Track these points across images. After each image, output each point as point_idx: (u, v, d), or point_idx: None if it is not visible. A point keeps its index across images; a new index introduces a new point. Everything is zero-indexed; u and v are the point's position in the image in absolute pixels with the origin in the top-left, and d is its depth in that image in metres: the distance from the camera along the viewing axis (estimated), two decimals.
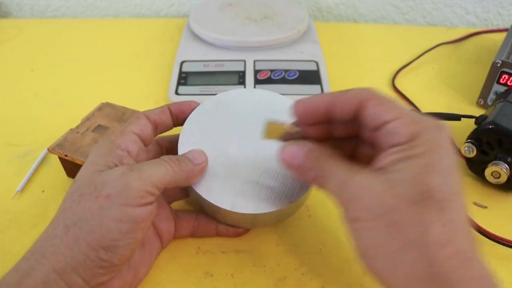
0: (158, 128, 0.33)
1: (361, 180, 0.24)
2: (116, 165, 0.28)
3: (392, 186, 0.22)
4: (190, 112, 0.35)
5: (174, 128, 0.35)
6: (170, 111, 0.34)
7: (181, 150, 0.33)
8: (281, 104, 0.36)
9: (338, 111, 0.27)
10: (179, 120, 0.34)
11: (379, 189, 0.23)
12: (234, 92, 0.37)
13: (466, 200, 0.23)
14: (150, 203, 0.27)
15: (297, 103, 0.28)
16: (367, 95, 0.26)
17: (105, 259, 0.26)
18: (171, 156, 0.30)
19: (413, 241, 0.22)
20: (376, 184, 0.23)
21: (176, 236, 0.34)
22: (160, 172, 0.28)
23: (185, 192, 0.36)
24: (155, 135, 0.33)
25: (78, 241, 0.25)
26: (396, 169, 0.23)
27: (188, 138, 0.33)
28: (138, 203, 0.26)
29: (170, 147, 0.36)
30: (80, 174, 0.28)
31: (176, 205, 0.36)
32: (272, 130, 0.30)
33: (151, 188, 0.27)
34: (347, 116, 0.26)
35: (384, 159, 0.24)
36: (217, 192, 0.31)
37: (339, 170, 0.25)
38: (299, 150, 0.27)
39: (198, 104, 0.35)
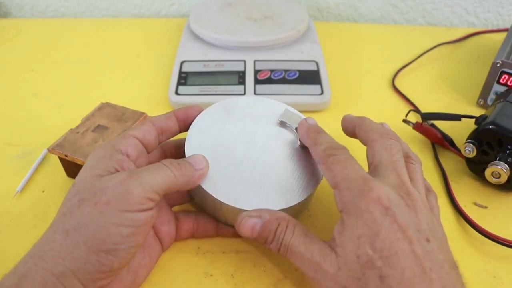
0: (164, 134, 0.33)
1: (316, 262, 0.27)
2: (116, 169, 0.28)
3: (340, 266, 0.26)
4: (196, 117, 0.35)
5: (180, 134, 0.35)
6: (176, 117, 0.34)
7: (188, 151, 0.33)
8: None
9: None
10: (185, 125, 0.34)
11: (332, 271, 0.26)
12: (241, 98, 0.37)
13: (412, 243, 0.25)
14: (150, 208, 0.27)
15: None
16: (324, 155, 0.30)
17: (105, 263, 0.25)
18: (172, 160, 0.30)
19: None
20: (328, 265, 0.26)
21: (177, 239, 0.34)
22: (161, 177, 0.28)
23: (188, 195, 0.36)
24: (160, 141, 0.33)
25: (78, 245, 0.25)
26: (340, 243, 0.26)
27: (195, 139, 0.33)
28: (138, 209, 0.26)
29: (175, 152, 0.36)
30: (79, 177, 0.28)
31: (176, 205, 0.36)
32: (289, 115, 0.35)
33: (151, 194, 0.27)
34: None
35: (336, 228, 0.27)
36: (221, 187, 0.31)
37: (296, 247, 0.28)
38: (256, 221, 0.29)
39: (203, 109, 0.35)
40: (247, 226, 0.29)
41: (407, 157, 0.32)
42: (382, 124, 0.35)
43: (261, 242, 0.29)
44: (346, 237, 0.26)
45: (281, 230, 0.28)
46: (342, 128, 0.35)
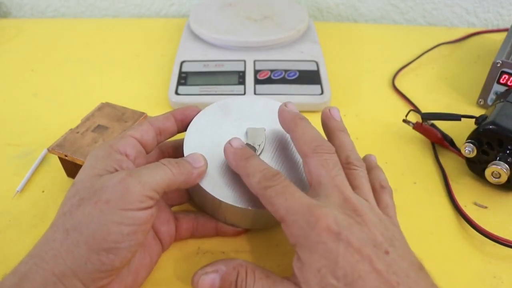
0: (162, 134, 0.33)
1: None
2: (115, 169, 0.28)
3: None
4: (194, 117, 0.35)
5: (178, 134, 0.35)
6: (174, 117, 0.34)
7: (187, 151, 0.33)
8: None
9: None
10: (183, 125, 0.35)
11: None
12: (238, 98, 0.37)
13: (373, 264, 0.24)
14: (150, 207, 0.27)
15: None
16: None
17: (106, 262, 0.25)
18: (170, 159, 0.30)
19: None
20: None
21: (176, 238, 0.34)
22: (159, 176, 0.28)
23: (188, 195, 0.36)
24: (159, 142, 0.33)
25: (78, 244, 0.25)
26: (302, 280, 0.25)
27: (193, 139, 0.34)
28: (138, 207, 0.26)
29: (173, 152, 0.36)
30: (79, 177, 0.28)
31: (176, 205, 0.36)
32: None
33: (150, 192, 0.27)
34: None
35: (294, 265, 0.26)
36: (220, 186, 0.32)
37: None
38: (213, 277, 0.28)
39: (201, 109, 0.36)
40: (205, 284, 0.28)
41: (348, 163, 0.30)
42: (329, 110, 0.34)
43: None
44: (306, 273, 0.25)
45: (242, 278, 0.27)
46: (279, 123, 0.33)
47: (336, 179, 0.28)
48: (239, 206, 0.31)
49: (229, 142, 0.32)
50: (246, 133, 0.34)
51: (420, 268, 0.25)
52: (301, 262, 0.26)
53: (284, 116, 0.33)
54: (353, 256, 0.24)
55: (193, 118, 0.35)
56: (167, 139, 0.34)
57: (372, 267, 0.24)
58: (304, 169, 0.30)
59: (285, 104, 0.33)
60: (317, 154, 0.29)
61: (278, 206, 0.27)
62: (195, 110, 0.35)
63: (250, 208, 0.31)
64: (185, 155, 0.32)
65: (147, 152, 0.32)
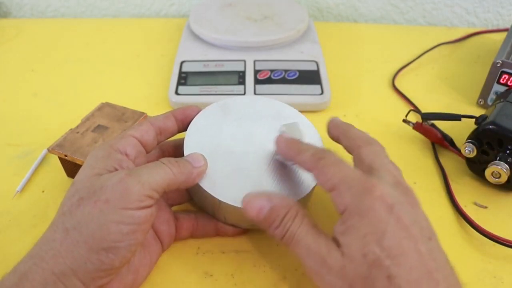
0: (162, 133, 0.33)
1: (322, 256, 0.26)
2: (115, 169, 0.28)
3: (345, 264, 0.25)
4: (194, 117, 0.35)
5: (178, 134, 0.35)
6: (174, 117, 0.34)
7: (187, 151, 0.33)
8: (283, 112, 0.37)
9: None
10: (184, 124, 0.35)
11: (337, 268, 0.25)
12: (238, 98, 0.37)
13: (420, 242, 0.25)
14: (150, 206, 0.27)
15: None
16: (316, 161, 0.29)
17: (106, 262, 0.25)
18: (170, 159, 0.30)
19: None
20: (333, 261, 0.25)
21: (176, 238, 0.34)
22: (159, 175, 0.28)
23: (188, 195, 0.36)
24: (159, 141, 0.33)
25: (78, 244, 0.25)
26: (345, 243, 0.25)
27: (193, 139, 0.34)
28: (137, 206, 0.26)
29: (174, 152, 0.36)
30: (78, 177, 0.28)
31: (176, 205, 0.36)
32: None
33: (150, 192, 0.27)
34: None
35: (337, 229, 0.26)
36: (220, 186, 0.32)
37: (303, 237, 0.27)
38: (264, 204, 0.28)
39: (201, 109, 0.36)
40: (254, 207, 0.28)
41: None
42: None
43: (265, 226, 0.28)
44: (350, 236, 0.25)
45: (290, 217, 0.27)
46: (327, 131, 0.34)
47: (389, 166, 0.29)
48: (239, 206, 0.31)
49: (280, 135, 0.33)
50: (283, 131, 0.35)
51: (452, 266, 0.26)
52: (346, 226, 0.26)
53: (336, 122, 0.34)
54: (402, 232, 0.25)
55: (193, 118, 0.35)
56: (167, 138, 0.34)
57: (416, 248, 0.24)
58: (354, 161, 0.31)
59: (333, 117, 0.35)
60: (370, 145, 0.30)
61: (331, 175, 0.27)
62: (195, 110, 0.35)
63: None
64: (185, 154, 0.32)
65: (147, 152, 0.32)
